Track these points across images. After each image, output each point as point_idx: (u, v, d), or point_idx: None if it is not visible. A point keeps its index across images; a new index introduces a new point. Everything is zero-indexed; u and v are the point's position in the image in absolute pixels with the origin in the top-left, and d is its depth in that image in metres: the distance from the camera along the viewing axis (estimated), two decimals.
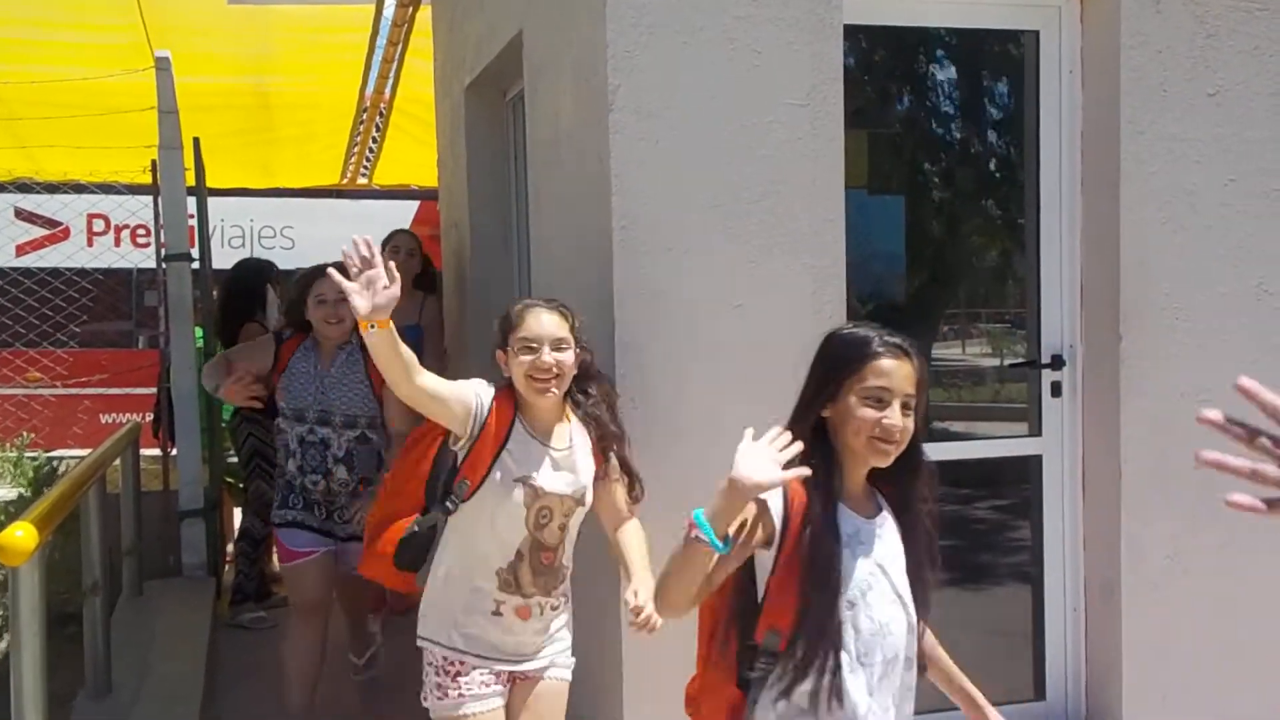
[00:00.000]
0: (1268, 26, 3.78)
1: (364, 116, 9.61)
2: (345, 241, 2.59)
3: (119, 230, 11.66)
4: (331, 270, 2.71)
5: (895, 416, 2.14)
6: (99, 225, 11.79)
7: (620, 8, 3.28)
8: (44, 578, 3.09)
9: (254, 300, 5.85)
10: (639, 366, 3.31)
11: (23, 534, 2.91)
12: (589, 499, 2.94)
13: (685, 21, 3.33)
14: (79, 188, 9.13)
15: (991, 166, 4.18)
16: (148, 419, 7.21)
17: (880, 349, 2.18)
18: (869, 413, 2.15)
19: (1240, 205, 3.78)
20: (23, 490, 7.99)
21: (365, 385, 3.94)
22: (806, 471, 2.04)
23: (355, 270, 2.59)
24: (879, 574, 2.18)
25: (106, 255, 10.27)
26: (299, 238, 12.40)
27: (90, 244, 11.36)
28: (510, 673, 2.92)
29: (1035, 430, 3.96)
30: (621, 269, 3.29)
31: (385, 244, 5.22)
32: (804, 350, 3.50)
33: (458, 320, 5.72)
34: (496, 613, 2.86)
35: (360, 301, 2.57)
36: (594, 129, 3.41)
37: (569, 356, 2.84)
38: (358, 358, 3.92)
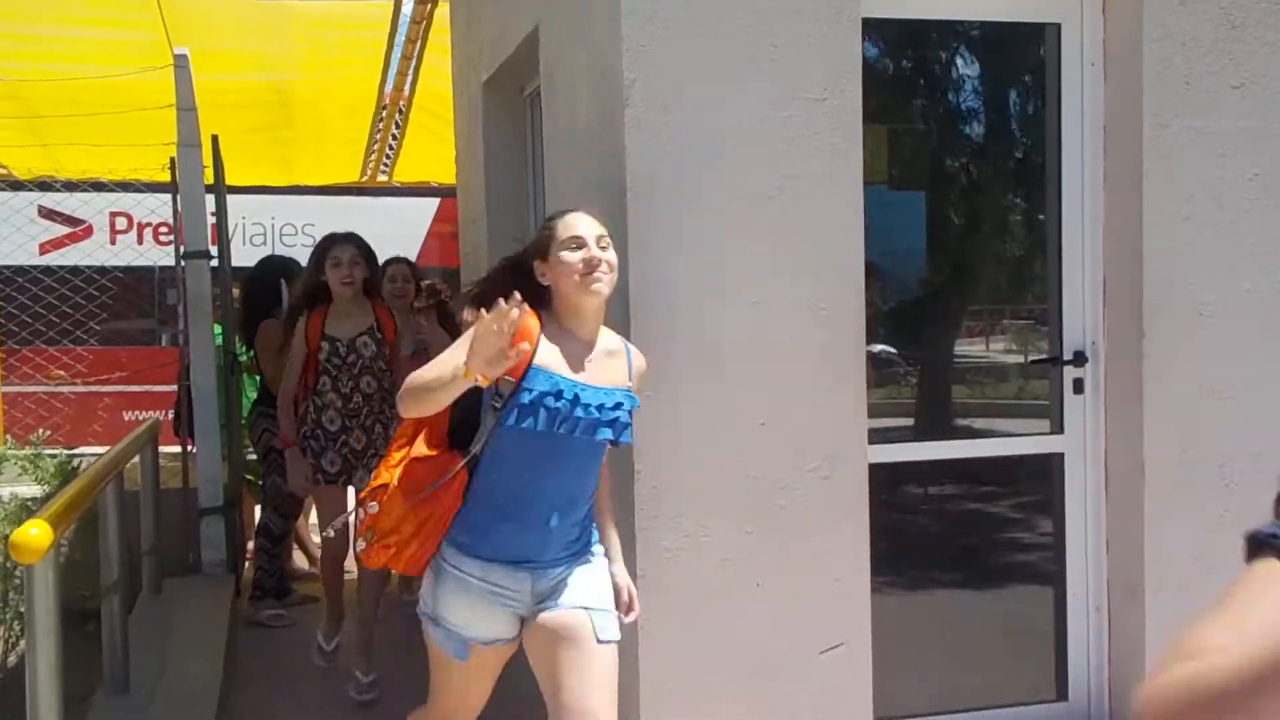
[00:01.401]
0: None
1: (383, 113, 9.63)
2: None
3: (142, 228, 11.71)
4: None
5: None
6: (122, 223, 11.84)
7: (635, 2, 3.25)
8: (59, 575, 3.08)
9: (275, 298, 5.84)
10: (655, 362, 3.28)
11: (37, 531, 2.90)
12: None
13: (701, 15, 3.30)
14: (98, 185, 9.17)
15: (1013, 161, 4.14)
16: (168, 416, 7.23)
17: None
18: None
19: (1265, 200, 3.72)
20: (48, 487, 8.02)
21: None
22: None
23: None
24: None
25: (127, 253, 10.32)
26: (320, 235, 12.41)
27: (113, 242, 11.41)
28: None
29: (1057, 427, 3.92)
30: (637, 263, 3.26)
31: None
32: (822, 346, 3.49)
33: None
34: None
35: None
36: (610, 124, 3.38)
37: None
38: None
